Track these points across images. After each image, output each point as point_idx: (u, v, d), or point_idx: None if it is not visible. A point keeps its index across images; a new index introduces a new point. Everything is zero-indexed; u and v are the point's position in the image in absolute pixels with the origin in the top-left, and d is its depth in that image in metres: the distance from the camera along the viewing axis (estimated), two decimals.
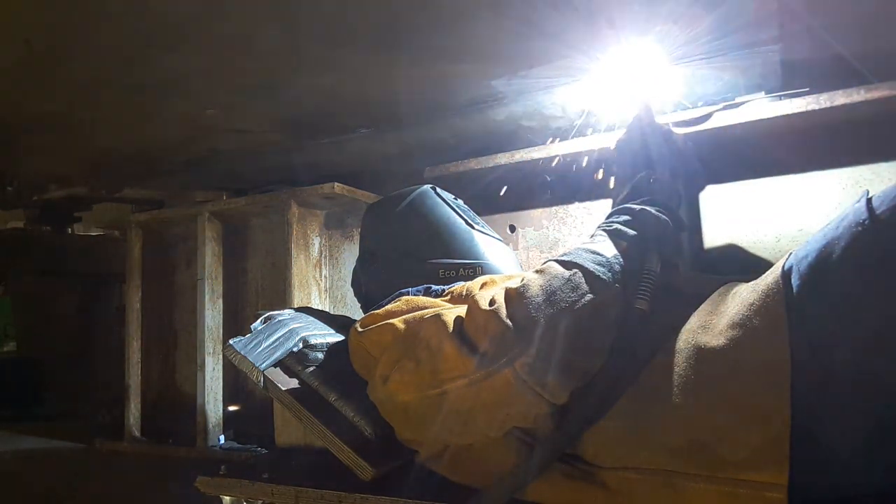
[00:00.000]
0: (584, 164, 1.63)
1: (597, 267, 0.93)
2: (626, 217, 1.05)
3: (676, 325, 0.93)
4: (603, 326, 0.92)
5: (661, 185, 1.17)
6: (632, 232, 1.01)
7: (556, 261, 0.95)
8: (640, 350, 0.93)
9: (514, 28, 1.29)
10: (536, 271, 0.95)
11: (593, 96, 1.55)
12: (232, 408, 2.39)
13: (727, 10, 1.18)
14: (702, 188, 1.53)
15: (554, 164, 1.68)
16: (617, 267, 0.95)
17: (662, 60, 1.37)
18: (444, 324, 0.94)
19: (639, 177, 1.20)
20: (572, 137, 1.66)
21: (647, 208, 1.07)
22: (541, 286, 0.91)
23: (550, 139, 1.69)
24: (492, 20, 1.27)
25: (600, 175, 1.59)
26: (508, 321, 0.88)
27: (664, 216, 1.07)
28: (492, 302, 0.91)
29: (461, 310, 0.97)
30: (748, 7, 1.19)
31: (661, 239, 1.05)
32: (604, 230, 1.03)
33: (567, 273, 0.92)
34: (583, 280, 0.91)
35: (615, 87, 1.47)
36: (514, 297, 0.90)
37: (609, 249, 0.97)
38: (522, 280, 0.93)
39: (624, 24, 1.25)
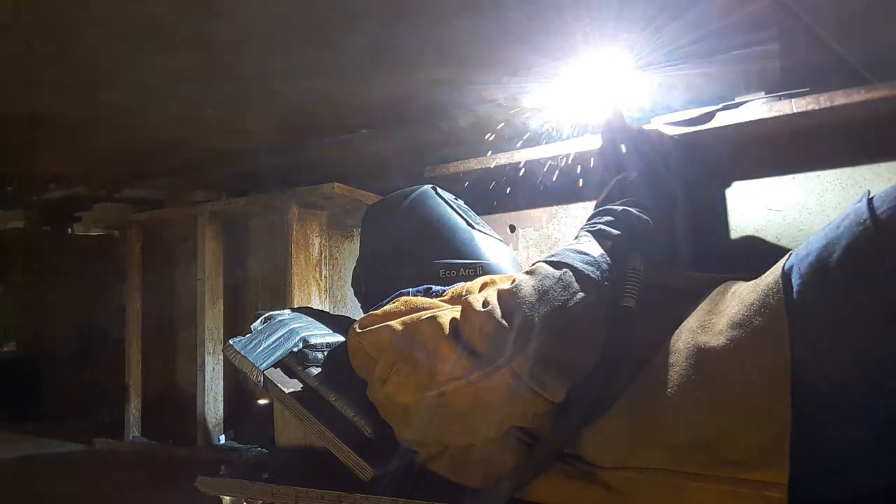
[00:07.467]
0: (582, 164, 1.63)
1: (586, 266, 0.94)
2: (609, 218, 1.06)
3: (674, 324, 0.94)
4: (595, 324, 0.93)
5: (637, 186, 1.18)
6: (616, 232, 1.02)
7: (546, 261, 0.96)
8: (633, 347, 0.93)
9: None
10: (527, 272, 0.96)
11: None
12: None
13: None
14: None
15: (553, 164, 1.68)
16: (605, 266, 0.96)
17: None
18: (439, 326, 0.94)
19: (616, 179, 1.21)
20: (565, 139, 1.66)
21: (629, 209, 1.08)
22: (533, 286, 0.91)
23: (542, 140, 1.70)
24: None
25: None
26: (504, 321, 0.88)
27: (644, 216, 1.08)
28: (485, 303, 0.92)
29: (457, 311, 0.97)
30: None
31: (644, 238, 1.06)
32: (588, 231, 1.05)
33: (557, 273, 0.93)
34: (573, 279, 0.92)
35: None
36: (508, 297, 0.91)
37: (595, 249, 0.98)
38: (514, 281, 0.94)
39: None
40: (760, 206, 1.49)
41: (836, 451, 0.79)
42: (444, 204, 1.39)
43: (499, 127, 1.81)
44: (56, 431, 2.89)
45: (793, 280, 0.84)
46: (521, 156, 1.72)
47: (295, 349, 1.23)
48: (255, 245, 2.61)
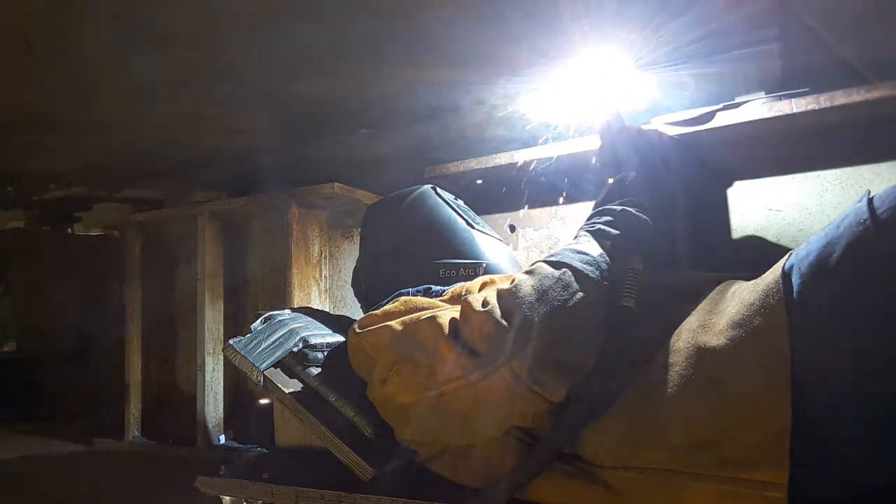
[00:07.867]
0: (582, 164, 1.63)
1: (585, 266, 0.94)
2: (608, 218, 1.06)
3: (674, 324, 0.94)
4: (594, 323, 0.93)
5: (637, 186, 1.18)
6: (615, 232, 1.03)
7: (545, 261, 0.96)
8: (633, 347, 0.93)
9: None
10: (526, 272, 0.96)
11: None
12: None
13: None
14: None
15: (553, 164, 1.69)
16: (604, 265, 0.96)
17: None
18: (439, 326, 0.95)
19: (615, 179, 1.21)
20: (565, 139, 1.66)
21: (628, 209, 1.08)
22: (532, 286, 0.91)
23: (542, 140, 1.71)
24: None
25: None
26: (503, 321, 0.88)
27: (643, 216, 1.08)
28: (484, 303, 0.92)
29: (457, 311, 0.97)
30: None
31: (643, 238, 1.06)
32: (587, 231, 1.05)
33: (557, 273, 0.93)
34: (573, 279, 0.92)
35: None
36: (507, 297, 0.91)
37: (594, 249, 0.99)
38: (513, 281, 0.94)
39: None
40: (760, 206, 1.49)
41: (836, 451, 0.79)
42: (444, 204, 1.39)
43: (498, 127, 1.81)
44: (56, 431, 2.88)
45: (793, 280, 0.84)
46: (521, 156, 1.72)
47: (295, 349, 1.24)
48: (255, 245, 2.61)
